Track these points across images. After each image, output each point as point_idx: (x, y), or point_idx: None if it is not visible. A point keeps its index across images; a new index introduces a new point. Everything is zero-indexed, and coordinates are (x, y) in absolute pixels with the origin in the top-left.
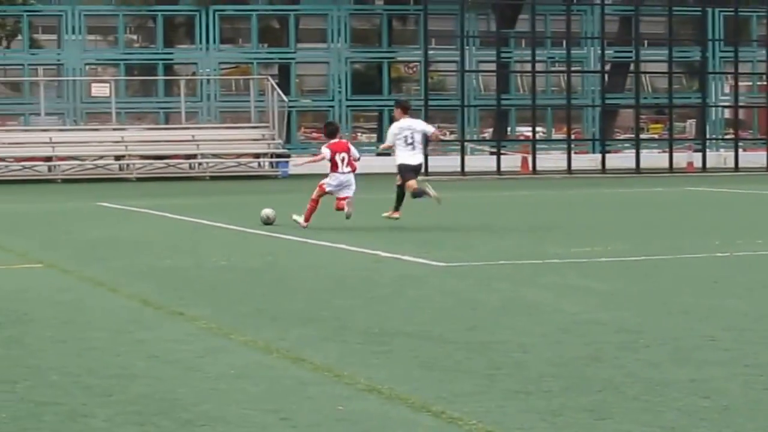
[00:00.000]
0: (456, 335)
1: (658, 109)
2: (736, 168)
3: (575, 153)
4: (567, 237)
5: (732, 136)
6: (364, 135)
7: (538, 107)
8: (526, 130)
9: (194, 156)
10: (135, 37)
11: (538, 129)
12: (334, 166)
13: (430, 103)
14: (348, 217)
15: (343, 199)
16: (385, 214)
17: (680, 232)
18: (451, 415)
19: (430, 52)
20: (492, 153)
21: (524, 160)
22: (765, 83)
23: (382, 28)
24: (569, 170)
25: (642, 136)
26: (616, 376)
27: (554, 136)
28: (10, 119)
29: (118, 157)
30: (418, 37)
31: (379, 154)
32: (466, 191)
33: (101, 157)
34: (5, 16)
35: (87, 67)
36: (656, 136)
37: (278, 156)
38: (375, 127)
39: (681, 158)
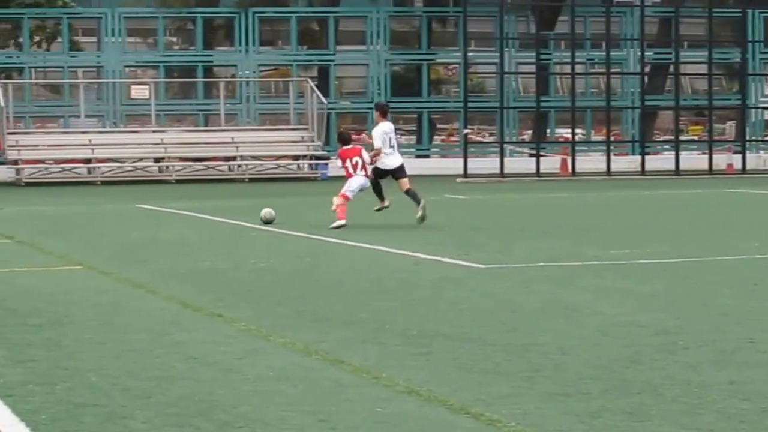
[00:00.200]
0: (495, 337)
1: (697, 110)
2: None
3: (614, 155)
4: (606, 239)
5: None
6: (403, 137)
7: (578, 109)
8: (565, 132)
9: (233, 158)
10: (174, 39)
11: (577, 131)
12: (347, 172)
13: (470, 105)
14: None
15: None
16: (376, 208)
17: (719, 234)
18: (489, 417)
19: (470, 54)
20: (531, 155)
21: (563, 162)
22: None
23: (421, 30)
24: (608, 172)
25: (681, 137)
26: (655, 378)
27: (593, 138)
28: (50, 121)
29: (157, 159)
30: (457, 38)
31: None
32: (506, 193)
33: (140, 159)
34: (45, 19)
35: (126, 69)
36: (696, 138)
37: (317, 158)
38: (414, 129)
39: (720, 160)
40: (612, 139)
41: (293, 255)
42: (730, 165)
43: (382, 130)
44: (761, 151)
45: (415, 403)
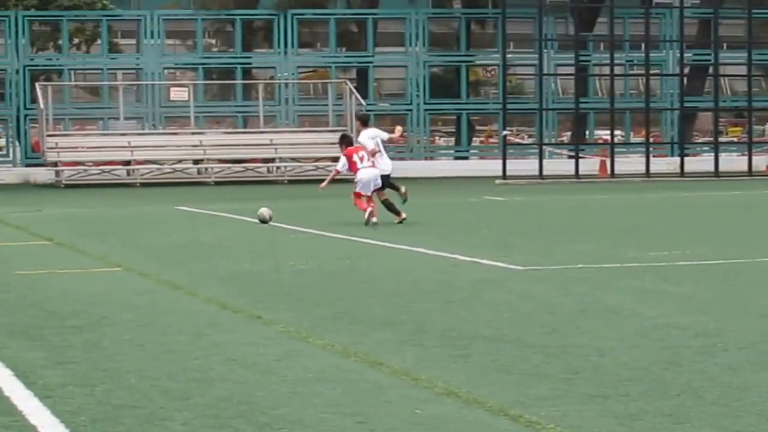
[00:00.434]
0: (534, 339)
1: (737, 112)
2: None
3: (654, 156)
4: (645, 241)
5: None
6: (441, 139)
7: (617, 110)
8: (604, 134)
9: (272, 160)
10: (213, 41)
11: (616, 132)
12: (353, 166)
13: (508, 106)
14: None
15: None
16: (396, 220)
17: (759, 235)
18: (528, 419)
19: (509, 55)
20: (570, 156)
21: (602, 164)
22: None
23: (460, 31)
24: (647, 174)
25: (721, 139)
26: (695, 380)
27: (633, 140)
28: (89, 123)
29: (196, 161)
30: (496, 40)
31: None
32: (544, 195)
33: (180, 161)
34: (85, 21)
35: (166, 71)
36: (735, 140)
37: None
38: (453, 130)
39: (760, 161)
40: (651, 140)
41: (332, 257)
42: None
43: (368, 135)
44: None
45: (454, 404)
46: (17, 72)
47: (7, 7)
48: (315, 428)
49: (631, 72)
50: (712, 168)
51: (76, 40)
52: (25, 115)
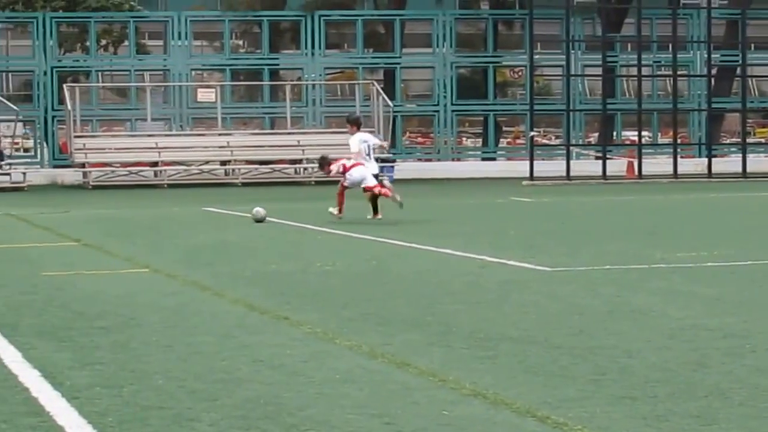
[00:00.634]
0: (561, 340)
1: (764, 113)
2: None
3: (681, 157)
4: (673, 242)
5: None
6: (469, 140)
7: (644, 111)
8: (631, 135)
9: (299, 161)
10: (240, 42)
11: (643, 133)
12: (345, 167)
13: (536, 107)
14: (400, 206)
15: (375, 187)
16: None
17: None
18: (556, 420)
19: (536, 56)
20: (597, 157)
21: (630, 165)
22: None
23: (487, 32)
24: (675, 175)
25: (749, 140)
26: (723, 381)
27: (660, 141)
28: (116, 125)
29: (223, 162)
30: (523, 41)
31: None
32: (572, 196)
33: (207, 162)
34: (112, 23)
35: (193, 72)
36: (763, 141)
37: (383, 161)
38: (480, 131)
39: None
40: (679, 141)
41: (359, 258)
42: None
43: (359, 139)
44: None
45: (482, 406)
46: (45, 73)
47: (35, 9)
48: (342, 429)
49: (659, 73)
50: (739, 169)
51: (103, 42)
52: (53, 117)
